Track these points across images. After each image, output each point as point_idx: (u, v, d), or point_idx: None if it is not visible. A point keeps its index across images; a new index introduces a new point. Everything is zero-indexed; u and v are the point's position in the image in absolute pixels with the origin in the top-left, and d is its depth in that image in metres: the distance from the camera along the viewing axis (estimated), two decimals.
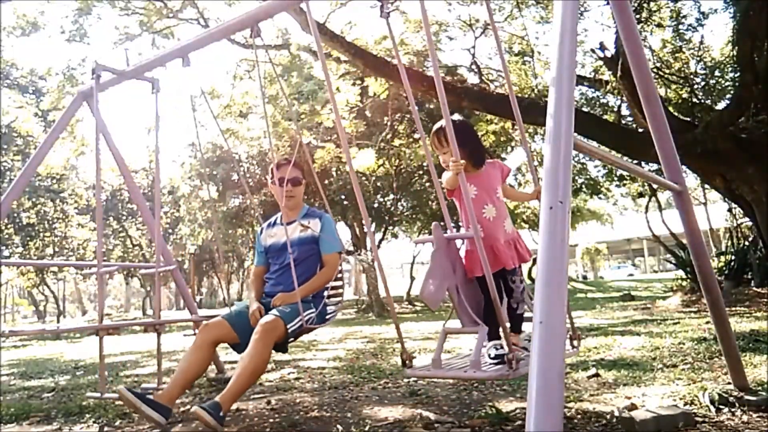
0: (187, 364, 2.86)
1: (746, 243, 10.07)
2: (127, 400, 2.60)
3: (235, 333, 2.97)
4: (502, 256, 2.43)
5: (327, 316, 3.14)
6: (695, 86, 11.25)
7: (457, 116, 2.59)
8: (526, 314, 2.63)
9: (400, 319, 13.12)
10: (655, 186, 13.86)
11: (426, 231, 20.71)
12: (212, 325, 2.99)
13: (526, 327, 2.60)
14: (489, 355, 2.33)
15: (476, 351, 2.16)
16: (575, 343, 2.58)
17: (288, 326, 2.81)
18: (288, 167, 3.23)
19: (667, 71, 11.24)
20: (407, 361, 2.23)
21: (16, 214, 19.97)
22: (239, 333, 2.95)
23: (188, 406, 3.27)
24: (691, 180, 16.42)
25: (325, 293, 3.17)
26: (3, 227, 18.93)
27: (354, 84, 11.82)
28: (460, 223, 2.60)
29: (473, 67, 13.29)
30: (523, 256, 2.54)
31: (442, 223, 2.37)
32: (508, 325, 2.35)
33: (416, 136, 14.85)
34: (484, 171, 2.53)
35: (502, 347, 2.37)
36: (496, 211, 2.47)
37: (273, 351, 2.83)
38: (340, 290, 3.33)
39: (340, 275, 3.31)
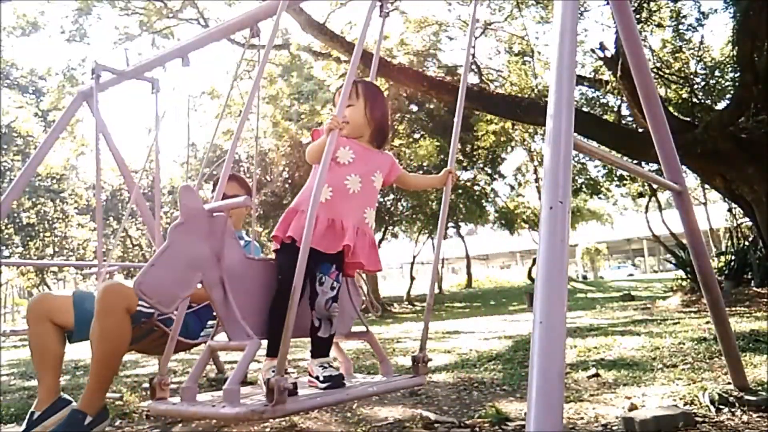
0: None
1: (746, 243, 10.07)
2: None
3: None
4: (349, 237, 1.93)
5: (199, 334, 2.65)
6: (695, 86, 11.25)
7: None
8: (358, 327, 2.23)
9: (401, 319, 13.11)
10: (655, 186, 13.86)
11: (426, 231, 20.72)
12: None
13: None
14: (318, 378, 1.89)
15: (235, 375, 1.61)
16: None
17: (140, 302, 2.32)
18: (231, 184, 2.93)
19: (667, 71, 11.24)
20: (158, 390, 1.77)
21: (16, 214, 19.97)
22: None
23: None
24: (691, 180, 16.42)
25: (204, 305, 2.62)
26: (3, 227, 18.93)
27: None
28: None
29: (473, 67, 13.29)
30: (373, 262, 2.05)
31: (193, 184, 1.88)
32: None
33: (416, 135, 14.87)
34: (375, 151, 2.19)
35: (330, 365, 1.94)
36: (362, 190, 2.04)
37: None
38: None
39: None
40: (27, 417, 2.38)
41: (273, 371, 1.67)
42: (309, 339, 2.04)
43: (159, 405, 1.73)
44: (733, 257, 9.25)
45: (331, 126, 1.80)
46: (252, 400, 1.67)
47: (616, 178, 16.10)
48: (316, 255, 1.87)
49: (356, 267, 2.10)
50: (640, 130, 9.66)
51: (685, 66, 11.56)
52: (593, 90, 12.26)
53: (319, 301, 1.98)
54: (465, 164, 18.40)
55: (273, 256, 2.06)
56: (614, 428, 2.30)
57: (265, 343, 1.87)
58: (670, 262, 12.10)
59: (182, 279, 1.62)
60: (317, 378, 1.89)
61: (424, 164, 15.43)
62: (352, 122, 2.10)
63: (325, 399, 1.79)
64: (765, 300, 7.22)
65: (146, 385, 2.59)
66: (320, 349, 2.01)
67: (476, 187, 19.78)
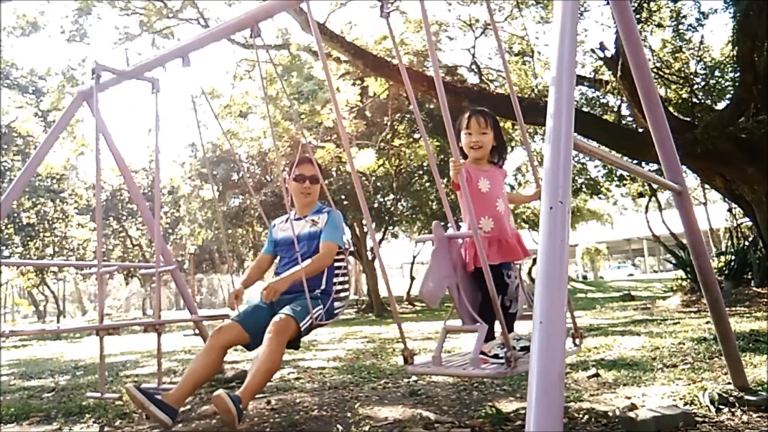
0: (197, 367, 2.87)
1: (746, 243, 10.08)
2: (135, 399, 2.61)
3: (246, 334, 2.97)
4: (511, 249, 2.51)
5: (335, 311, 3.17)
6: (695, 86, 11.25)
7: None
8: (527, 312, 2.63)
9: (401, 320, 13.10)
10: (655, 186, 13.86)
11: (426, 231, 20.72)
12: (224, 328, 2.98)
13: (521, 327, 2.59)
14: (495, 355, 2.34)
15: (476, 349, 2.19)
16: (577, 341, 2.61)
17: (300, 324, 2.84)
18: (308, 165, 3.30)
19: (667, 71, 11.24)
20: (409, 358, 2.28)
21: (16, 214, 19.97)
22: (250, 333, 2.96)
23: (188, 406, 3.27)
24: (691, 180, 16.42)
25: (333, 289, 3.17)
26: (3, 227, 18.93)
27: (354, 84, 11.82)
28: (461, 223, 2.66)
29: (473, 67, 13.30)
30: (525, 251, 2.60)
31: (442, 222, 2.41)
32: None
33: (416, 135, 14.86)
34: (494, 169, 2.65)
35: (504, 346, 2.36)
36: (505, 208, 2.56)
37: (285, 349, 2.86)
38: (347, 286, 3.33)
39: (345, 271, 3.31)
40: (151, 389, 2.89)
41: (500, 347, 2.28)
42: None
43: (417, 368, 2.27)
44: (733, 257, 9.25)
45: (456, 170, 2.23)
46: (490, 367, 2.22)
47: (616, 178, 16.10)
48: (499, 265, 2.45)
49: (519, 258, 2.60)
50: (640, 130, 9.66)
51: (685, 66, 11.56)
52: (593, 90, 12.27)
53: (510, 288, 2.50)
54: None
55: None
56: (614, 428, 2.30)
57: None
58: (670, 262, 12.10)
59: (440, 286, 2.24)
60: (513, 348, 2.25)
61: (424, 164, 15.42)
62: (484, 147, 2.59)
63: (517, 369, 2.18)
64: (765, 300, 7.22)
65: (123, 390, 2.75)
66: (510, 323, 2.50)
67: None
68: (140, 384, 3.46)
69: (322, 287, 3.13)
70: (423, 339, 6.50)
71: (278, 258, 3.39)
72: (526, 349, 2.37)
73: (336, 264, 3.23)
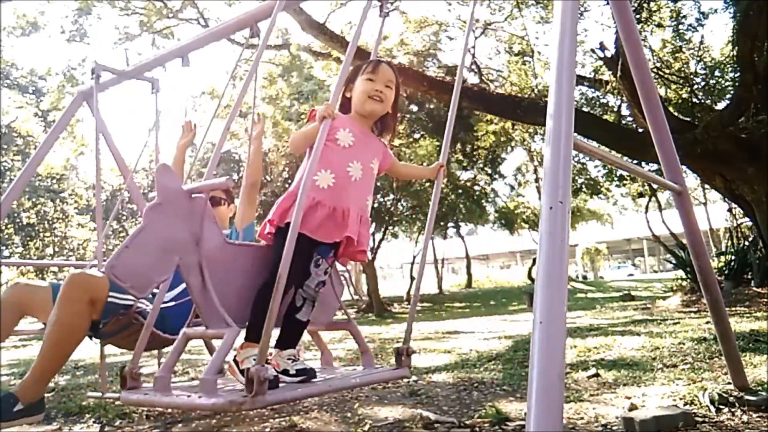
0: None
1: (746, 243, 10.07)
2: None
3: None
4: (341, 229, 1.87)
5: (178, 331, 2.45)
6: (695, 86, 11.25)
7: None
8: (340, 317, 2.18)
9: (400, 319, 13.11)
10: (655, 186, 13.86)
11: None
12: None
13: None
14: (287, 372, 1.79)
15: (212, 365, 1.58)
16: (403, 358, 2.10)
17: (110, 292, 2.22)
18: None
19: (667, 71, 11.24)
20: (129, 380, 1.73)
21: (16, 214, 19.96)
22: None
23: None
24: (691, 180, 16.41)
25: (184, 301, 2.45)
26: (3, 227, 18.92)
27: None
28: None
29: (473, 67, 13.29)
30: (362, 249, 1.97)
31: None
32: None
33: (416, 135, 14.87)
34: (372, 136, 2.13)
35: (297, 358, 1.85)
36: (363, 177, 1.98)
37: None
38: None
39: None
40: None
41: (253, 360, 1.59)
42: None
43: (131, 395, 1.68)
44: (733, 257, 9.25)
45: (325, 113, 1.75)
46: (230, 391, 1.62)
47: (616, 178, 16.10)
48: (311, 245, 1.86)
49: (354, 255, 1.99)
50: (640, 130, 9.66)
51: (685, 66, 11.55)
52: (593, 90, 12.26)
53: (309, 282, 1.91)
54: (465, 164, 18.39)
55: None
56: (614, 428, 2.30)
57: (243, 331, 1.78)
58: (670, 262, 12.09)
59: (158, 263, 1.55)
60: (285, 372, 1.78)
61: (424, 164, 15.42)
62: (385, 103, 2.08)
63: (307, 390, 1.73)
64: (765, 300, 7.22)
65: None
66: (293, 333, 1.91)
67: (476, 187, 19.78)
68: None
69: (173, 294, 2.50)
70: (423, 339, 6.50)
71: None
72: (304, 373, 1.80)
73: None
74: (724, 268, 9.08)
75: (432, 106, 15.27)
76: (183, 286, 2.47)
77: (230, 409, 1.57)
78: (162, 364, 1.72)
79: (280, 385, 1.69)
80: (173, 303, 2.43)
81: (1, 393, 2.05)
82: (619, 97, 11.36)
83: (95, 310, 2.20)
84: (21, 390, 2.11)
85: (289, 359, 1.83)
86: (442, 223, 21.13)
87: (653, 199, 16.95)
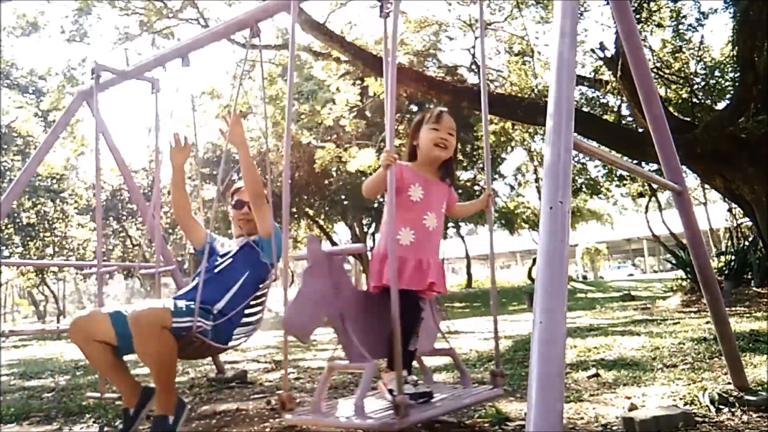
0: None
1: (746, 243, 10.07)
2: None
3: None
4: (429, 274, 2.17)
5: (233, 337, 2.75)
6: (695, 86, 11.25)
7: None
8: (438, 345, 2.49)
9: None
10: (655, 186, 13.86)
11: None
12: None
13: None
14: (408, 394, 2.00)
15: (361, 392, 1.89)
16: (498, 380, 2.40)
17: (174, 320, 2.43)
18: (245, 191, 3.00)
19: (667, 71, 11.23)
20: (287, 404, 1.98)
21: (16, 214, 19.96)
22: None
23: (188, 406, 3.27)
24: (691, 180, 16.40)
25: (237, 314, 2.72)
26: (3, 227, 18.92)
27: (354, 84, 11.82)
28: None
29: (473, 67, 13.29)
30: (443, 286, 2.30)
31: (318, 234, 2.11)
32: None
33: None
34: (438, 182, 2.38)
35: (417, 383, 2.13)
36: (437, 226, 2.26)
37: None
38: (259, 316, 2.88)
39: (263, 299, 2.90)
40: (122, 415, 2.61)
41: (413, 384, 2.08)
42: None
43: (293, 416, 2.00)
44: (733, 257, 9.24)
45: (387, 162, 1.96)
46: (379, 414, 1.95)
47: (616, 178, 16.09)
48: (415, 293, 2.18)
49: (438, 290, 2.31)
50: (640, 130, 9.66)
51: (685, 66, 11.55)
52: (593, 90, 12.26)
53: (416, 320, 2.24)
54: (465, 164, 18.38)
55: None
56: (614, 428, 2.30)
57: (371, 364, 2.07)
58: (670, 262, 12.10)
59: (314, 315, 1.95)
60: (408, 395, 2.05)
61: None
62: (449, 150, 2.33)
63: (436, 411, 2.08)
64: (765, 300, 7.22)
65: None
66: (408, 362, 2.23)
67: (476, 187, 19.77)
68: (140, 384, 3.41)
69: (221, 304, 2.71)
70: None
71: (202, 265, 2.87)
72: (423, 396, 2.10)
73: (257, 289, 2.85)
74: (724, 268, 9.08)
75: (432, 106, 15.28)
76: (227, 298, 2.73)
77: (381, 429, 1.85)
78: (316, 391, 2.04)
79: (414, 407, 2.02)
80: (226, 317, 2.68)
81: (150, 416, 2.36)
82: (619, 97, 11.36)
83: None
84: (161, 409, 2.41)
85: (412, 384, 2.12)
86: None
87: (653, 199, 16.95)
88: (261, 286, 2.86)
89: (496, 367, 2.43)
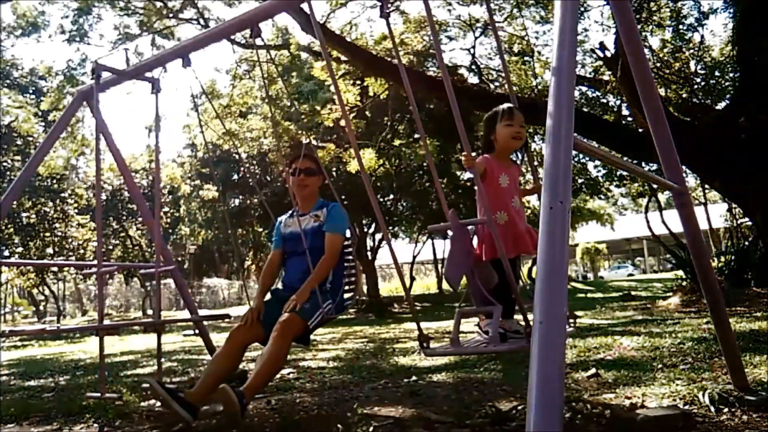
0: (217, 366, 2.95)
1: (746, 243, 10.07)
2: (158, 394, 2.63)
3: (263, 332, 3.00)
4: (522, 243, 2.63)
5: (345, 303, 3.26)
6: (695, 86, 11.25)
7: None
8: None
9: (401, 320, 13.14)
10: (655, 186, 13.86)
11: (426, 231, 20.69)
12: (243, 327, 3.03)
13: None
14: (516, 331, 2.48)
15: (494, 326, 2.35)
16: (572, 321, 2.66)
17: (309, 321, 2.90)
18: (303, 160, 3.34)
19: (667, 71, 11.23)
20: (425, 343, 2.38)
21: (16, 214, 19.95)
22: (266, 330, 2.96)
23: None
24: (691, 180, 16.41)
25: (342, 282, 3.24)
26: (3, 227, 18.92)
27: (354, 84, 11.82)
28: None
29: (473, 67, 13.29)
30: (536, 245, 2.70)
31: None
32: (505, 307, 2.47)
33: (416, 136, 14.85)
34: (513, 167, 2.82)
35: (505, 328, 2.55)
36: (519, 204, 2.72)
37: (295, 343, 2.93)
38: (354, 278, 3.34)
39: (353, 263, 3.34)
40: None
41: (503, 328, 2.49)
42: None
43: (437, 350, 2.47)
44: (733, 257, 9.24)
45: (468, 165, 2.36)
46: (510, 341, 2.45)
47: (616, 178, 16.09)
48: (515, 257, 2.66)
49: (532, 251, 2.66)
50: (640, 130, 9.66)
51: (685, 66, 11.55)
52: (593, 90, 12.26)
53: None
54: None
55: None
56: (614, 428, 2.30)
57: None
58: (670, 262, 12.10)
59: (460, 269, 2.39)
60: (516, 331, 2.54)
61: (424, 164, 15.42)
62: (523, 140, 2.78)
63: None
64: (765, 300, 7.22)
65: (145, 385, 2.74)
66: (511, 307, 2.63)
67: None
68: (140, 384, 3.45)
69: (330, 281, 3.18)
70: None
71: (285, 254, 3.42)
72: (518, 333, 2.56)
73: (343, 256, 3.27)
74: (724, 268, 9.08)
75: (432, 106, 15.25)
76: (331, 272, 3.18)
77: (519, 351, 2.29)
78: (452, 331, 2.37)
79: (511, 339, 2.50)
80: (338, 292, 3.19)
81: (236, 390, 2.52)
82: (619, 97, 11.36)
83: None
84: (247, 393, 2.61)
85: (515, 323, 2.60)
86: (442, 223, 21.16)
87: (653, 199, 16.94)
88: (343, 252, 3.25)
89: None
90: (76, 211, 22.55)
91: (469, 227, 2.53)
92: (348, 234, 3.31)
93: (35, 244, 21.17)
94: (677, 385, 2.91)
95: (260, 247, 24.51)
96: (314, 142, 14.04)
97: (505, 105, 2.80)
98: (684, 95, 11.17)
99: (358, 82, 12.08)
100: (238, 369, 4.13)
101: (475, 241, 2.65)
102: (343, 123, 11.23)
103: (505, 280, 2.32)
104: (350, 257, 3.34)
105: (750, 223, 10.03)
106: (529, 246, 2.65)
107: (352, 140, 2.77)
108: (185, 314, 7.00)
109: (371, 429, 2.54)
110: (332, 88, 11.06)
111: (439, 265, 26.97)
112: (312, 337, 3.12)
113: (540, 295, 1.32)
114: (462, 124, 2.25)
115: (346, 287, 3.28)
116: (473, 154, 2.47)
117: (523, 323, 2.48)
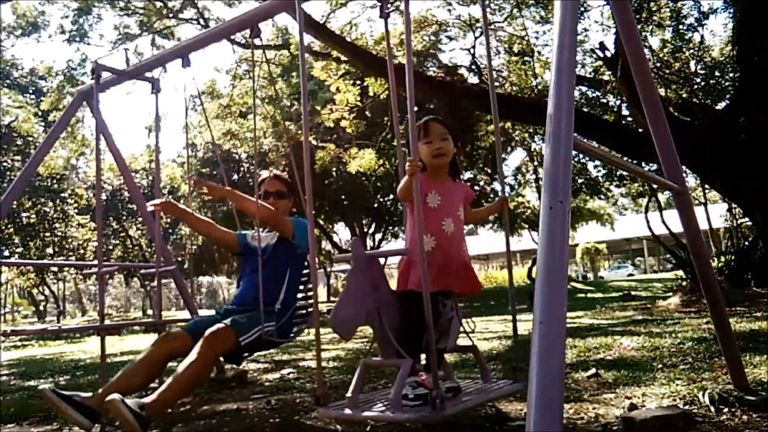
0: (131, 374, 2.69)
1: (746, 243, 10.06)
2: (52, 402, 2.45)
3: (192, 344, 2.69)
4: (454, 278, 2.27)
5: (293, 330, 2.98)
6: (695, 86, 11.24)
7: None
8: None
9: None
10: (655, 186, 13.86)
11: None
12: (171, 336, 2.84)
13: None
14: (407, 396, 2.05)
15: (397, 388, 1.95)
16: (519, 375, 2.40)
17: (240, 339, 2.66)
18: (273, 181, 3.27)
19: (667, 71, 11.23)
20: (322, 399, 2.02)
21: (16, 214, 19.96)
22: (195, 343, 2.69)
23: (187, 406, 3.27)
24: (691, 180, 16.40)
25: (293, 304, 2.99)
26: (3, 227, 18.92)
27: (354, 84, 11.82)
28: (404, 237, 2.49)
29: (473, 67, 13.29)
30: (474, 285, 2.38)
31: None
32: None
33: None
34: (451, 185, 2.45)
35: (419, 385, 2.12)
36: (455, 229, 2.31)
37: (223, 361, 2.79)
38: (311, 301, 3.04)
39: (310, 284, 3.08)
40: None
41: (411, 386, 2.06)
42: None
43: (329, 411, 2.02)
44: (733, 257, 9.24)
45: (412, 171, 1.99)
46: (414, 408, 2.01)
47: (616, 178, 16.08)
48: (435, 292, 2.18)
49: (470, 290, 2.40)
50: (640, 130, 9.66)
51: (685, 66, 11.55)
52: (593, 90, 12.26)
53: (442, 320, 2.28)
54: (465, 164, 18.39)
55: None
56: (614, 428, 2.30)
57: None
58: (670, 262, 12.09)
59: (357, 312, 2.02)
60: (450, 390, 2.27)
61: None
62: (447, 155, 2.38)
63: (466, 404, 2.16)
64: (765, 300, 7.22)
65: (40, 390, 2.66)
66: (438, 359, 2.20)
67: (476, 187, 19.78)
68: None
69: (281, 300, 2.97)
70: None
71: (242, 267, 3.29)
72: (452, 390, 2.24)
73: (300, 272, 3.08)
74: (724, 268, 9.07)
75: (432, 107, 15.26)
76: (284, 291, 2.99)
77: (420, 421, 2.03)
78: (352, 386, 2.04)
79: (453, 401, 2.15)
80: (285, 314, 2.93)
81: (133, 402, 2.28)
82: (619, 97, 11.36)
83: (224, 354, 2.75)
84: (148, 403, 2.36)
85: (441, 379, 2.18)
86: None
87: (653, 199, 16.94)
88: (304, 277, 3.08)
89: (522, 362, 2.39)
90: (76, 211, 22.55)
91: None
92: (307, 250, 3.01)
93: (35, 244, 21.17)
94: (677, 385, 2.91)
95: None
96: (314, 142, 14.04)
97: (425, 118, 2.44)
98: (684, 95, 11.16)
99: (358, 82, 12.09)
100: (224, 370, 4.13)
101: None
102: (343, 123, 11.23)
103: (423, 321, 1.92)
104: (307, 274, 3.09)
105: (750, 223, 10.02)
106: (465, 283, 2.30)
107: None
108: (185, 314, 7.00)
109: (371, 429, 2.54)
110: (332, 88, 11.05)
111: None
112: (311, 336, 3.05)
113: (540, 295, 1.32)
114: (415, 119, 2.12)
115: (302, 310, 3.04)
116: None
117: (454, 383, 2.27)
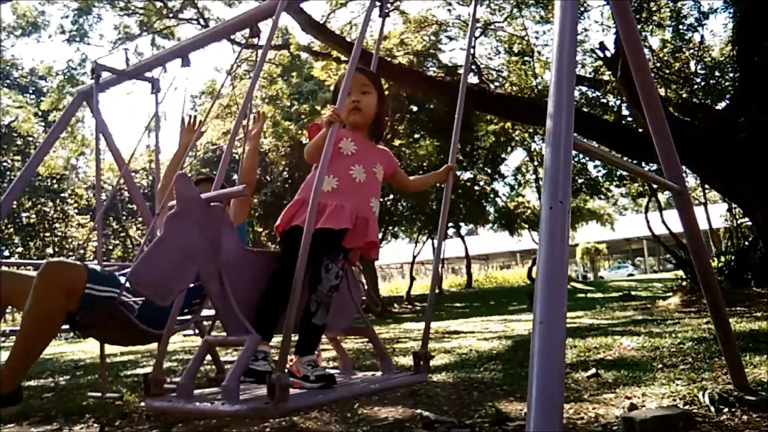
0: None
1: (746, 243, 10.06)
2: None
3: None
4: (345, 222, 1.88)
5: (161, 321, 2.30)
6: (695, 86, 11.25)
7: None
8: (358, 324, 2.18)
9: (401, 320, 13.12)
10: (655, 186, 13.86)
11: (426, 231, 20.74)
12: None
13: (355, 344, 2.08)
14: (307, 378, 1.77)
15: (235, 369, 1.53)
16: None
17: (88, 284, 2.14)
18: (207, 184, 2.92)
19: (667, 71, 11.23)
20: (152, 387, 1.66)
21: (16, 214, 19.96)
22: None
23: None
24: (691, 180, 16.41)
25: (188, 294, 2.36)
26: (3, 227, 18.92)
27: None
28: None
29: (473, 67, 13.28)
30: (370, 244, 1.99)
31: (193, 175, 1.77)
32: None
33: (416, 135, 14.87)
34: (372, 144, 2.17)
35: (317, 364, 1.83)
36: (366, 180, 2.01)
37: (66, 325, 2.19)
38: (198, 305, 2.61)
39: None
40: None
41: (311, 365, 1.73)
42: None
43: (154, 402, 1.64)
44: (733, 257, 9.24)
45: (331, 119, 1.75)
46: (252, 397, 1.62)
47: (616, 178, 16.09)
48: (325, 238, 1.83)
49: (367, 251, 2.03)
50: (640, 130, 9.66)
51: (685, 66, 11.55)
52: (593, 90, 12.26)
53: (322, 286, 1.87)
54: (465, 164, 18.40)
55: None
56: (614, 428, 2.30)
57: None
58: (670, 262, 12.09)
59: (178, 271, 1.56)
60: (305, 378, 1.77)
61: (424, 164, 15.42)
62: (364, 110, 2.08)
63: (327, 396, 1.75)
64: (765, 300, 7.21)
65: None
66: (310, 338, 1.88)
67: (476, 187, 19.77)
68: (140, 384, 3.43)
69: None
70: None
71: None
72: (324, 379, 1.76)
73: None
74: (724, 268, 9.07)
75: (432, 106, 15.26)
76: None
77: (253, 416, 1.52)
78: (184, 372, 1.67)
79: (301, 391, 1.71)
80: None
81: None
82: (619, 97, 11.36)
83: (71, 300, 2.12)
84: (4, 382, 2.04)
85: (308, 365, 1.81)
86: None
87: (653, 199, 16.94)
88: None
89: (421, 348, 2.04)
90: (76, 211, 22.55)
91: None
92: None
93: (35, 244, 21.17)
94: (677, 385, 2.91)
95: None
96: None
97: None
98: (684, 95, 11.17)
99: None
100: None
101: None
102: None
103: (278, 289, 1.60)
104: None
105: (750, 223, 10.02)
106: (351, 234, 1.90)
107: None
108: None
109: (371, 429, 2.54)
110: (332, 88, 11.05)
111: (439, 265, 26.94)
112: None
113: (540, 295, 1.32)
114: (356, 65, 1.86)
115: (191, 305, 2.52)
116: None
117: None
